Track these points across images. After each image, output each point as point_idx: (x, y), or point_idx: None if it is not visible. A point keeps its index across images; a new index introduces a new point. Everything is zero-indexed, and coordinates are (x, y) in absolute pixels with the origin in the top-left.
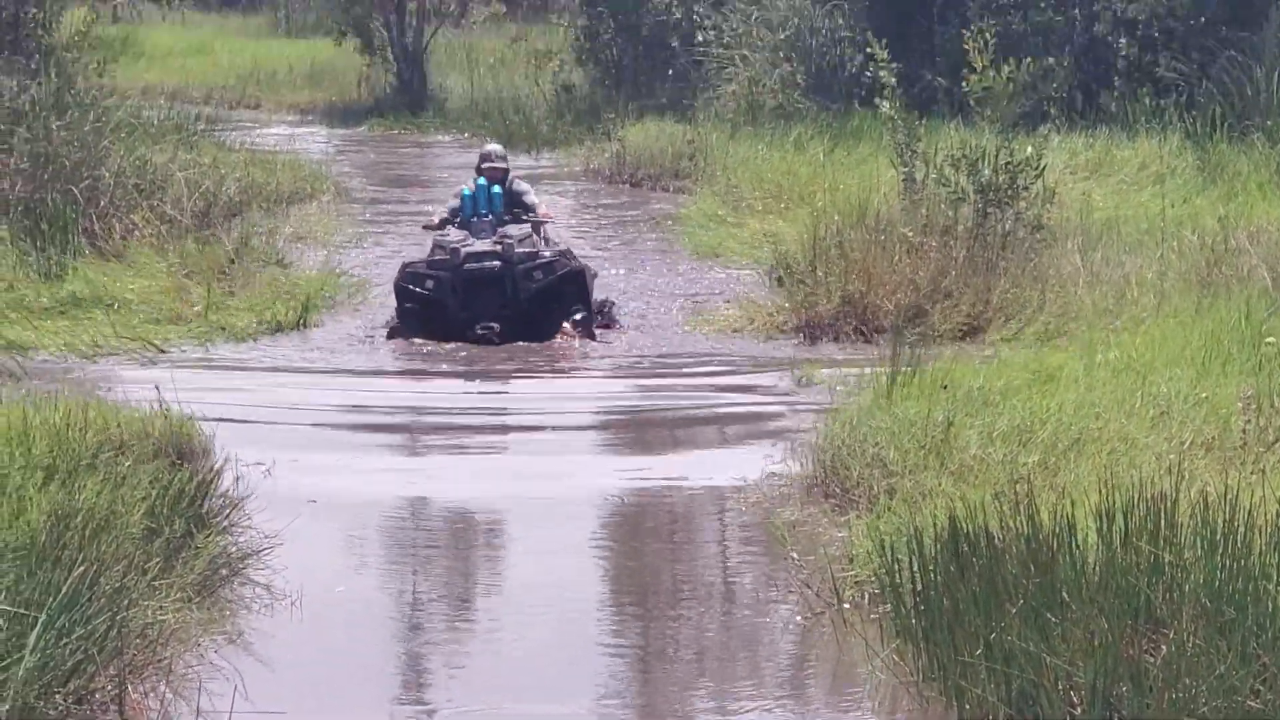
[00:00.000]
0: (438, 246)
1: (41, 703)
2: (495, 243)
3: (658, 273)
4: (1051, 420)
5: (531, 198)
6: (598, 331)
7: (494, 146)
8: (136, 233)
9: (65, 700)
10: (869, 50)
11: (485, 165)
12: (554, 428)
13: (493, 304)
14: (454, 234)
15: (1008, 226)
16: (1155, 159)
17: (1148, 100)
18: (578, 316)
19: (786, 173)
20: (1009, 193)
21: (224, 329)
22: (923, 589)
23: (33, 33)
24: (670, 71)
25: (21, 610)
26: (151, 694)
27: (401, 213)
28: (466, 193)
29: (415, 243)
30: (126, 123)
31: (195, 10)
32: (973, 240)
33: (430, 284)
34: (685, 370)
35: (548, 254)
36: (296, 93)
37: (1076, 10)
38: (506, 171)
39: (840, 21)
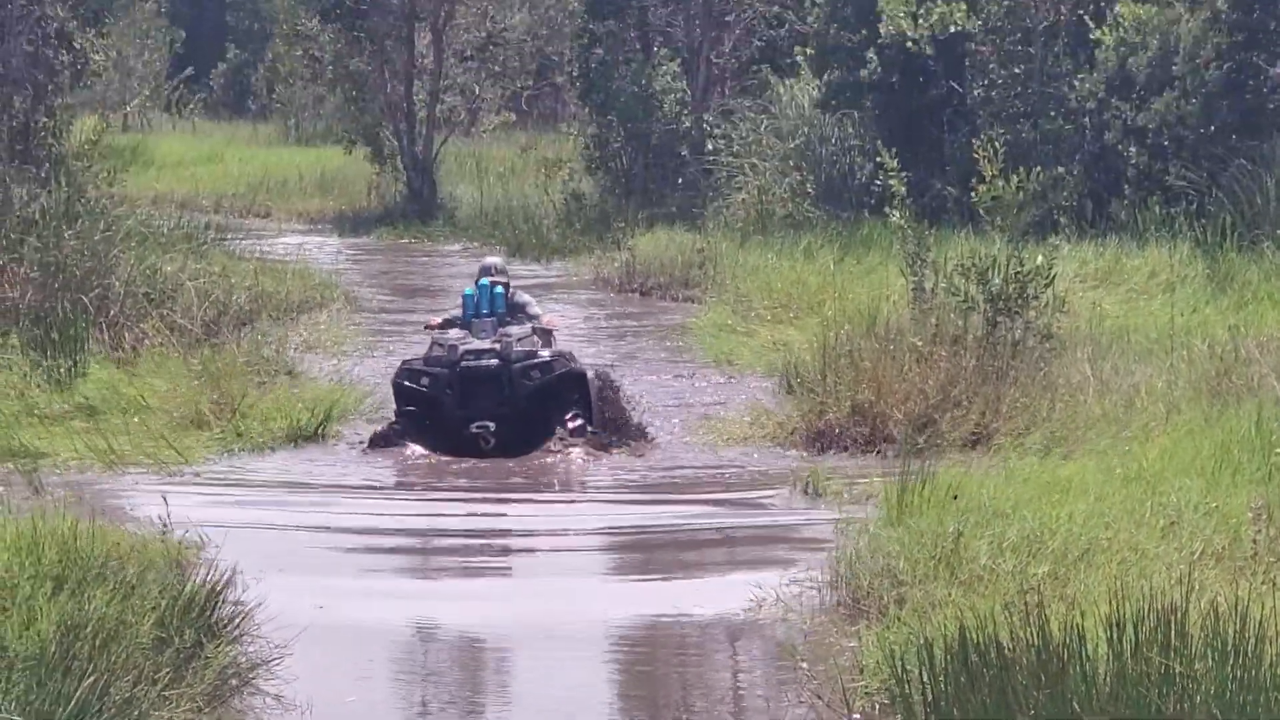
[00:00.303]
0: (436, 344)
1: None
2: (494, 341)
3: (666, 381)
4: (1061, 530)
5: (535, 308)
6: (602, 438)
7: (493, 259)
8: (147, 341)
9: None
10: (879, 159)
11: (484, 282)
12: (559, 550)
13: (489, 402)
14: (454, 333)
15: (1017, 335)
16: (1165, 268)
17: (1158, 209)
18: (575, 424)
19: (796, 281)
20: (1019, 302)
21: (240, 436)
22: (933, 700)
23: (43, 141)
24: (680, 180)
25: None
26: None
27: (411, 322)
28: (468, 292)
29: (421, 344)
30: (137, 231)
31: (205, 119)
32: (982, 349)
33: (426, 381)
34: (692, 484)
35: (546, 354)
36: (306, 201)
37: (1086, 119)
38: (506, 285)
39: (850, 130)
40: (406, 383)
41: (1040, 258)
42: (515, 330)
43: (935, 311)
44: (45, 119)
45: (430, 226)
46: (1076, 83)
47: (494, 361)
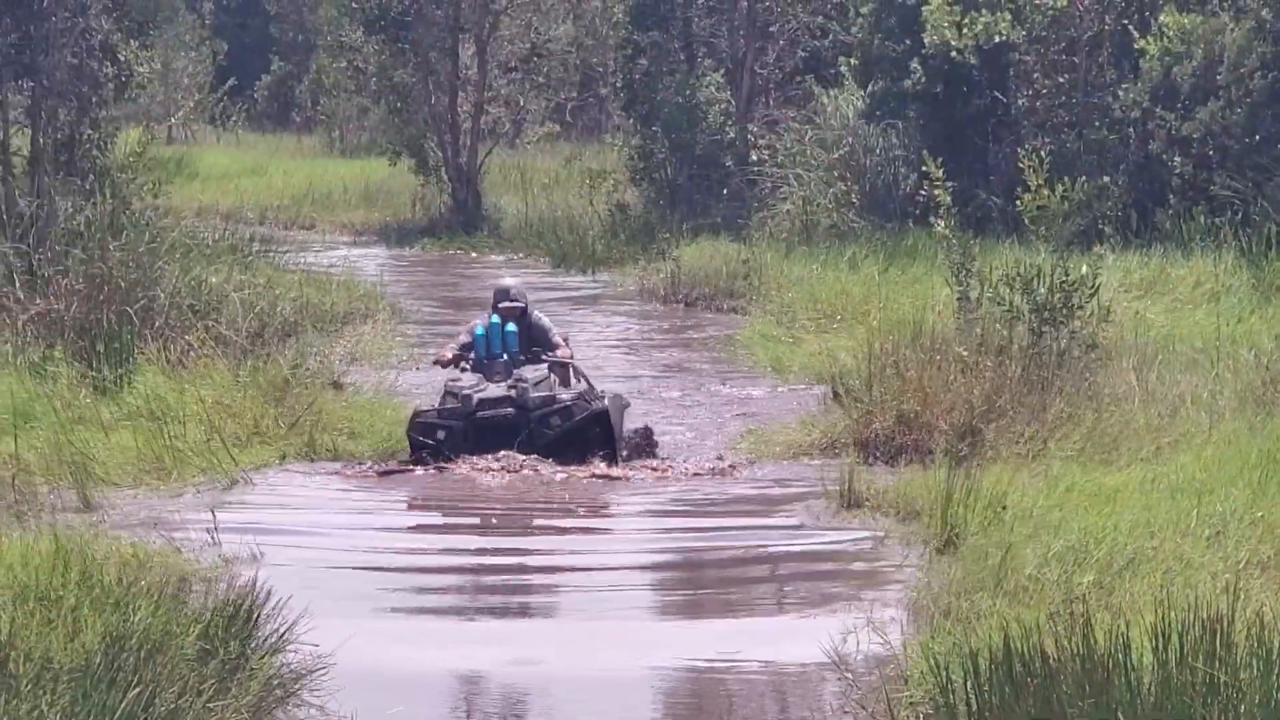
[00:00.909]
0: (449, 394)
1: None
2: (510, 387)
3: (710, 392)
4: (1107, 540)
5: (555, 336)
6: (641, 461)
7: (511, 282)
8: (192, 353)
9: None
10: (923, 169)
11: (502, 305)
12: (601, 581)
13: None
14: (466, 379)
15: (1062, 345)
16: (1210, 277)
17: (1202, 218)
18: (602, 465)
19: (841, 292)
20: (1064, 311)
21: (283, 457)
22: (977, 709)
23: (88, 154)
24: (725, 190)
25: None
26: None
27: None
28: (479, 331)
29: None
30: (181, 243)
31: (249, 131)
32: (1027, 359)
33: (442, 434)
34: (731, 506)
35: (566, 397)
36: (351, 213)
37: (1130, 129)
38: (525, 310)
39: (894, 140)
40: (421, 437)
41: (1085, 267)
42: (530, 374)
43: (980, 321)
44: (90, 131)
45: (475, 237)
46: (1121, 92)
47: (511, 411)
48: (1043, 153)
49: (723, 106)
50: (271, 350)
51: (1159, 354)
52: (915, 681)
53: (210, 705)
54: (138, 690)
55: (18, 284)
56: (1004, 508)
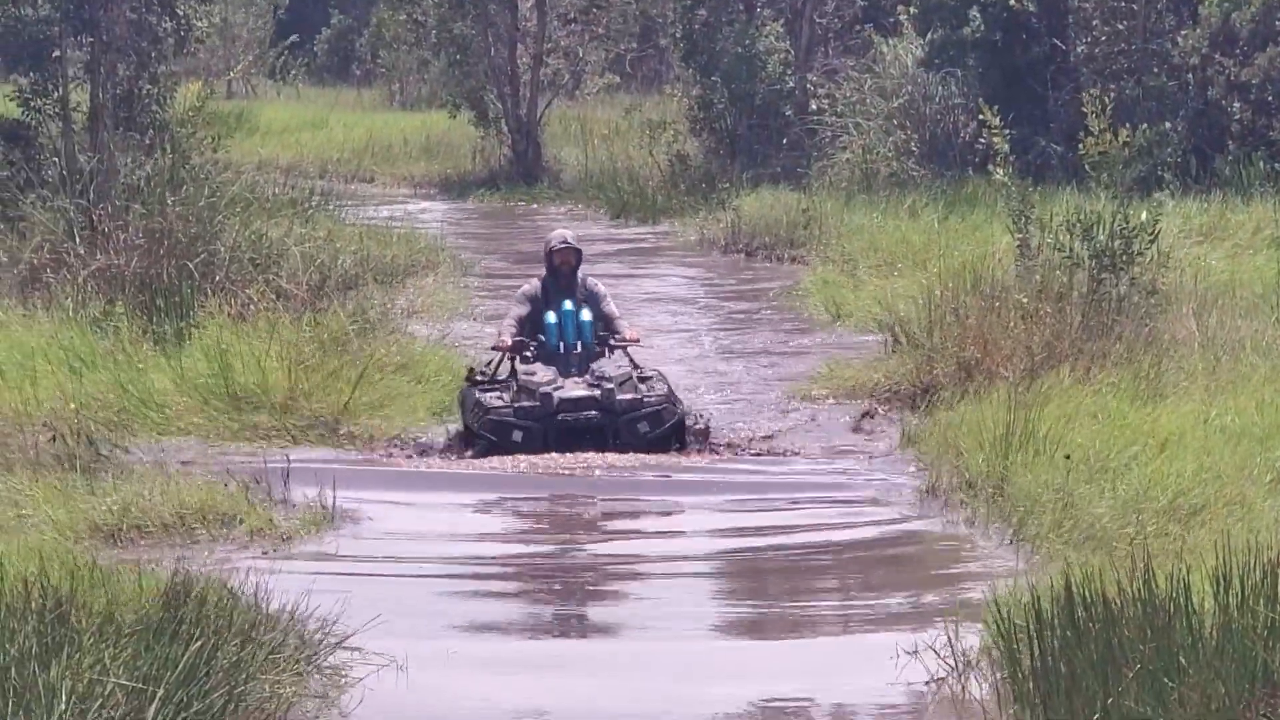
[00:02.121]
0: (523, 390)
1: None
2: (591, 385)
3: (775, 341)
4: (1171, 486)
5: (609, 305)
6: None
7: (563, 231)
8: (251, 307)
9: None
10: (982, 117)
11: (558, 247)
12: (662, 585)
13: None
14: (541, 373)
15: (1122, 291)
16: (1270, 222)
17: (1262, 164)
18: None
19: (901, 240)
20: (1123, 258)
21: (353, 427)
22: (1039, 654)
23: (147, 108)
24: (784, 140)
25: (139, 685)
26: None
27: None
28: (551, 321)
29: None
30: (241, 197)
31: (309, 85)
32: (1087, 305)
33: (519, 436)
34: (800, 489)
35: (654, 399)
36: (411, 165)
37: (1189, 75)
38: (579, 254)
39: (953, 88)
40: (493, 437)
41: (1145, 214)
42: (612, 370)
43: (1040, 268)
44: (149, 86)
45: (535, 189)
46: (1180, 38)
47: (595, 414)
48: (1103, 99)
49: (782, 56)
50: (333, 303)
51: (1219, 299)
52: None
53: (272, 657)
54: (199, 643)
55: (78, 239)
56: (1067, 457)
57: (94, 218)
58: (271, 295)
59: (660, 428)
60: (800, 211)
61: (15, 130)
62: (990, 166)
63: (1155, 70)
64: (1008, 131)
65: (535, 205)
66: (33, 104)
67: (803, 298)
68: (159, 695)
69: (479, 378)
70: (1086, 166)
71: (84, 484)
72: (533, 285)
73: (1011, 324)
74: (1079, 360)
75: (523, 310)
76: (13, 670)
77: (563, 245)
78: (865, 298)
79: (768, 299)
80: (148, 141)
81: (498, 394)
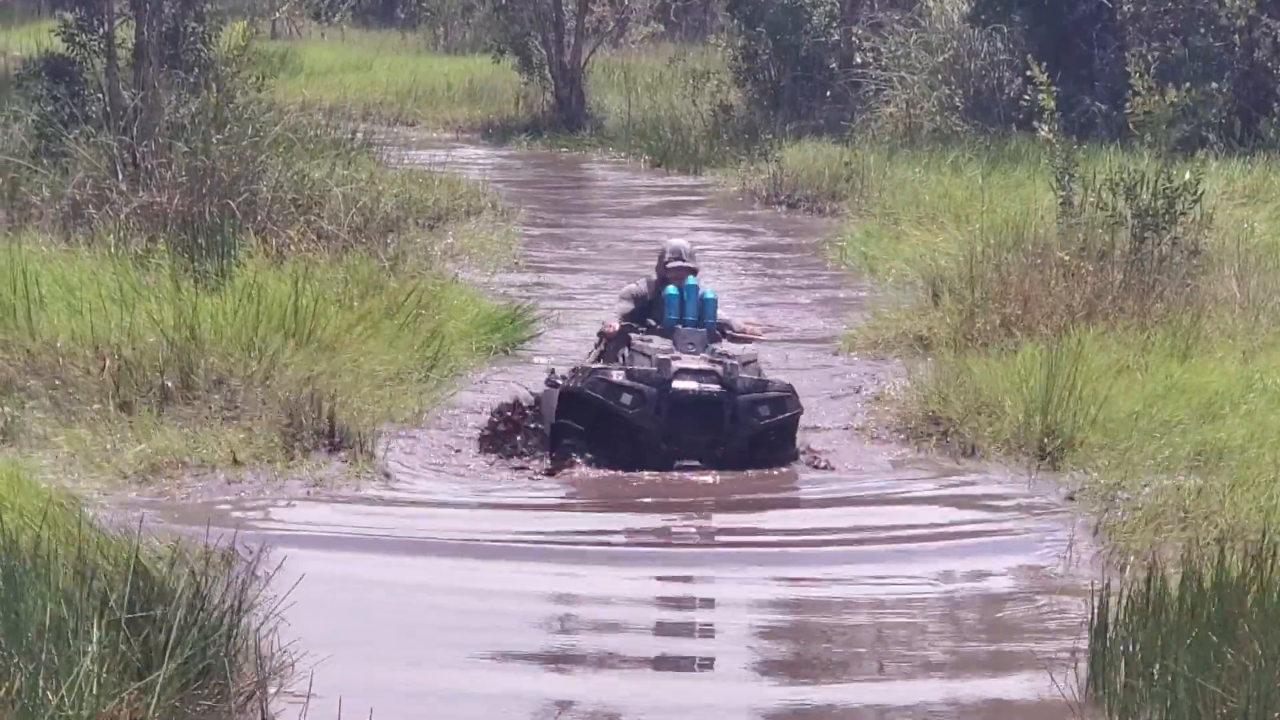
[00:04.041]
0: (638, 353)
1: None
2: (713, 361)
3: (809, 294)
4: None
5: (722, 314)
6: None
7: (680, 242)
8: (292, 247)
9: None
10: (1028, 74)
11: (672, 265)
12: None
13: (703, 437)
14: (658, 342)
15: (1164, 251)
16: None
17: None
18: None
19: (943, 195)
20: (1166, 217)
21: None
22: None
23: (192, 47)
24: (828, 93)
25: None
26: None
27: (562, 236)
28: (671, 292)
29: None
30: (284, 138)
31: (354, 27)
32: (1129, 264)
33: (629, 399)
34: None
35: (778, 385)
36: (454, 110)
37: (1235, 36)
38: (695, 273)
39: (999, 45)
40: (604, 398)
41: (1188, 174)
42: (735, 350)
43: (1083, 226)
44: (194, 24)
45: (577, 136)
46: None
47: (716, 388)
48: (1149, 58)
49: (827, 8)
50: (374, 245)
51: (1261, 261)
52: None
53: None
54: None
55: (121, 176)
56: (1134, 414)
57: (137, 155)
58: (312, 236)
59: (781, 414)
60: (842, 164)
61: (60, 66)
62: (1035, 123)
63: (1201, 30)
64: (1053, 88)
65: (577, 151)
66: (78, 40)
67: (844, 250)
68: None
69: (559, 380)
70: (1131, 126)
71: (130, 421)
72: (640, 285)
73: (1053, 281)
74: (1119, 318)
75: (627, 308)
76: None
77: (677, 262)
78: (907, 251)
79: (809, 250)
80: (192, 80)
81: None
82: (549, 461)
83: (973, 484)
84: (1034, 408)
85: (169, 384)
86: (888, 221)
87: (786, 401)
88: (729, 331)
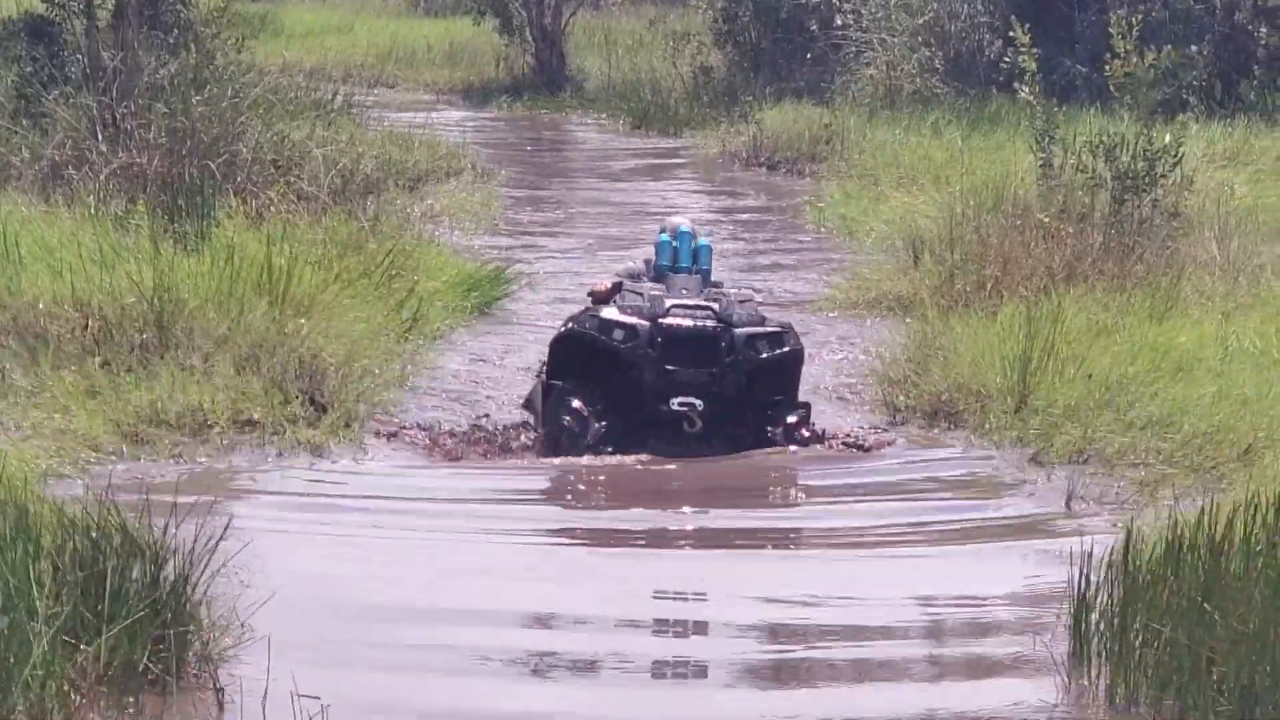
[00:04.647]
0: (629, 291)
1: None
2: (709, 299)
3: (789, 255)
4: (1192, 410)
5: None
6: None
7: (679, 219)
8: (272, 208)
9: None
10: (1008, 35)
11: (685, 228)
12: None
13: (699, 373)
14: (650, 285)
15: (1144, 214)
16: None
17: None
18: (802, 430)
19: (923, 157)
20: (1146, 180)
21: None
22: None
23: (172, 8)
24: (808, 55)
25: None
26: None
27: (542, 198)
28: (664, 239)
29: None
30: (264, 99)
31: None
32: (1109, 226)
33: (621, 334)
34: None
35: (775, 321)
36: (434, 72)
37: None
38: (709, 250)
39: (979, 7)
40: (597, 334)
41: (1169, 136)
42: (731, 290)
43: (1062, 188)
44: None
45: (558, 98)
46: None
47: (712, 322)
48: (1130, 20)
49: None
50: (354, 206)
51: (1240, 224)
52: None
53: None
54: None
55: (101, 137)
56: (1090, 375)
57: (117, 116)
58: (292, 197)
59: (779, 349)
60: (823, 126)
61: (39, 26)
62: (1016, 85)
63: None
64: (1034, 50)
65: (558, 114)
66: (57, 1)
67: (823, 212)
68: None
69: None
70: (1111, 88)
71: (113, 380)
72: (636, 264)
73: (1033, 243)
74: (1099, 280)
75: (635, 265)
76: None
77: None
78: (887, 213)
79: (788, 212)
80: (172, 41)
81: None
82: (539, 438)
83: (951, 448)
84: (1012, 370)
85: (147, 344)
86: (868, 183)
87: (785, 337)
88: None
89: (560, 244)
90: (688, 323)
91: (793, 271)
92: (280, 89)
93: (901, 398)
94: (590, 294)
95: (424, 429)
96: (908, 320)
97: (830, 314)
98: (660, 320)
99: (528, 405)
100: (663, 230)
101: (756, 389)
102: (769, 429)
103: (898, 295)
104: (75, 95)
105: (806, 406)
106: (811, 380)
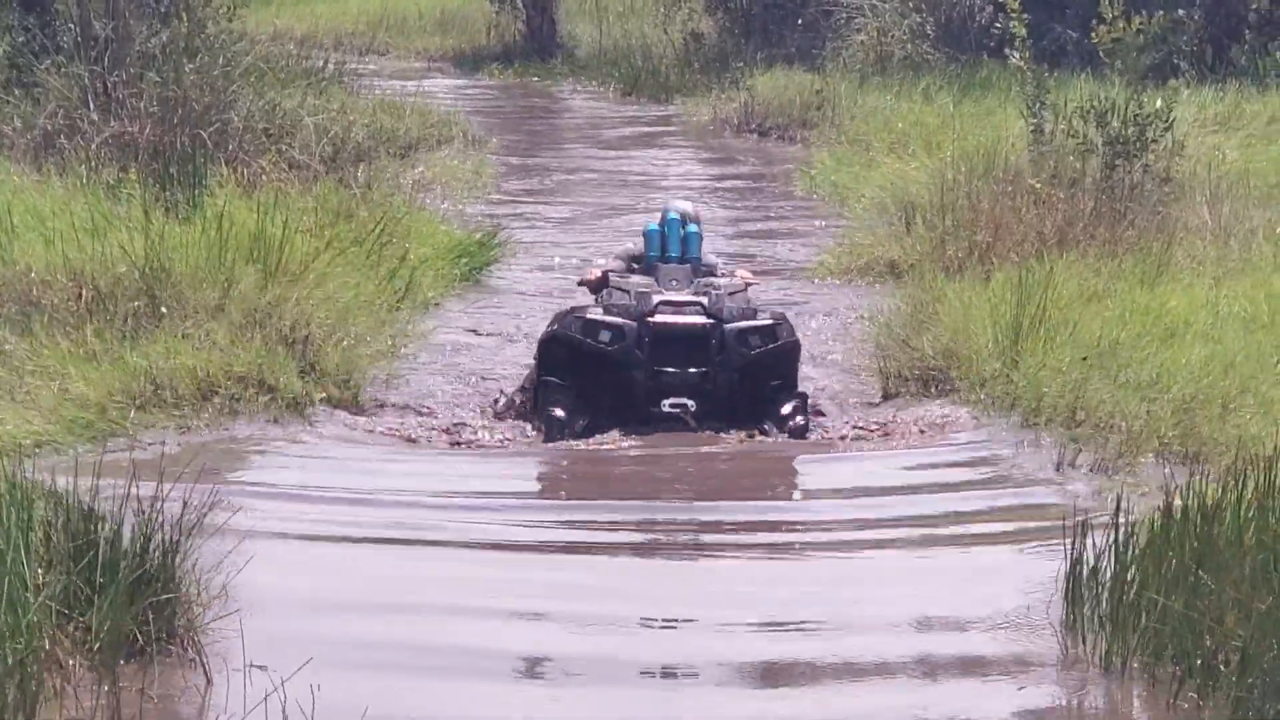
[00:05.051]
0: (615, 288)
1: None
2: (698, 293)
3: (781, 222)
4: (1182, 374)
5: (724, 273)
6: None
7: (683, 204)
8: (264, 176)
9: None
10: (999, 1)
11: (674, 215)
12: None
13: (690, 371)
14: (638, 278)
15: (1135, 179)
16: None
17: (1278, 54)
18: (788, 410)
19: (915, 123)
20: (1137, 145)
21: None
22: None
23: None
24: (799, 21)
25: None
26: None
27: (533, 165)
28: (652, 228)
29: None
30: (255, 67)
31: None
32: (1100, 192)
33: (608, 336)
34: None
35: (769, 314)
36: (425, 39)
37: None
38: (699, 238)
39: None
40: (581, 336)
41: (1160, 101)
42: (721, 281)
43: (1054, 154)
44: None
45: (549, 65)
46: None
47: (700, 318)
48: None
49: None
50: (346, 174)
51: (1232, 189)
52: None
53: None
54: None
55: (92, 106)
56: (1084, 359)
57: (108, 85)
58: (284, 165)
59: (772, 343)
60: (814, 92)
61: None
62: (1007, 51)
63: None
64: (1024, 16)
65: (549, 81)
66: None
67: (815, 178)
68: None
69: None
70: (1101, 53)
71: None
72: (638, 246)
73: (1024, 209)
74: (1091, 246)
75: (618, 266)
76: None
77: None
78: (878, 179)
79: (780, 179)
80: (163, 9)
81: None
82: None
83: (944, 414)
84: (1004, 335)
85: (139, 314)
86: (859, 149)
87: (778, 330)
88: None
89: (552, 211)
90: (676, 320)
91: (784, 238)
92: (271, 57)
93: (894, 363)
94: (581, 283)
95: (418, 413)
96: (900, 286)
97: (824, 280)
98: (648, 319)
99: (523, 391)
100: (664, 214)
101: (750, 383)
102: (765, 422)
103: (890, 261)
104: (67, 65)
105: (803, 396)
106: (804, 347)
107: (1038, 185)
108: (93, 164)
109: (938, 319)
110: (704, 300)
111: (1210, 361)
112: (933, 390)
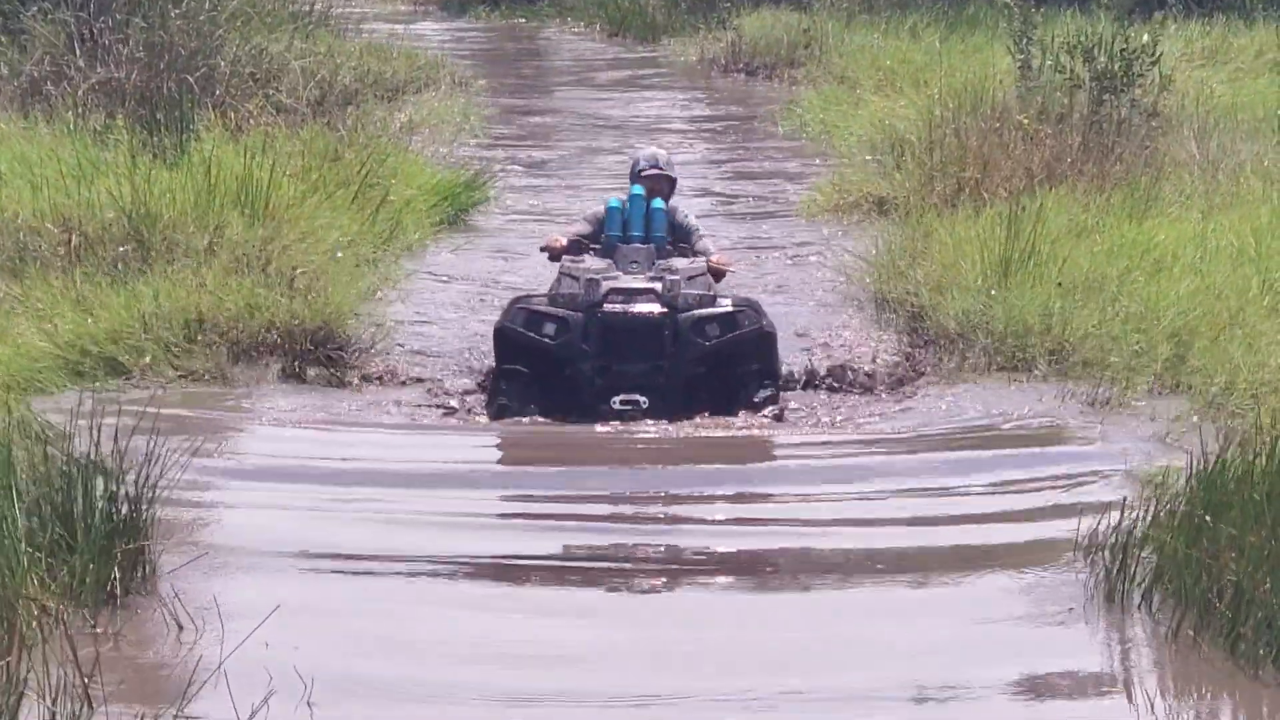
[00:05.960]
0: (566, 275)
1: None
2: (653, 279)
3: (770, 162)
4: (1170, 307)
5: (704, 242)
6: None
7: (653, 149)
8: (251, 121)
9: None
10: None
11: (646, 173)
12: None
13: (642, 365)
14: (591, 262)
15: (1123, 114)
16: (1272, 46)
17: None
18: (764, 396)
19: (902, 61)
20: (1124, 80)
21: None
22: None
23: None
24: None
25: None
26: None
27: (520, 107)
28: (614, 204)
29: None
30: (242, 12)
31: None
32: (1088, 127)
33: (552, 329)
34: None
35: (730, 300)
36: None
37: None
38: (673, 183)
39: None
40: (524, 330)
41: (1146, 36)
42: (681, 264)
43: (1041, 90)
44: None
45: (535, 6)
46: None
47: (653, 308)
48: None
49: None
50: (333, 118)
51: (1219, 123)
52: None
53: None
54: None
55: (79, 52)
56: (1059, 284)
57: (94, 31)
58: (271, 109)
59: (732, 333)
60: (801, 31)
61: None
62: None
63: None
64: None
65: (535, 22)
66: None
67: (802, 116)
68: None
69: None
70: None
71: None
72: (603, 208)
73: (1012, 145)
74: (1079, 181)
75: (585, 230)
76: None
77: (653, 169)
78: (866, 117)
79: (768, 118)
80: None
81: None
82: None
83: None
84: (993, 271)
85: (126, 260)
86: (846, 87)
87: (739, 317)
88: (696, 256)
89: (538, 154)
90: (626, 310)
91: (772, 177)
92: (257, 1)
93: (885, 300)
94: (543, 249)
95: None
96: (889, 223)
97: (813, 218)
98: (596, 310)
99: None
100: (635, 163)
101: (724, 372)
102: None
103: (879, 198)
104: (53, 11)
105: (776, 379)
106: (795, 287)
107: (1025, 121)
108: (80, 110)
109: (927, 256)
110: (657, 287)
111: (1199, 292)
112: (923, 325)
